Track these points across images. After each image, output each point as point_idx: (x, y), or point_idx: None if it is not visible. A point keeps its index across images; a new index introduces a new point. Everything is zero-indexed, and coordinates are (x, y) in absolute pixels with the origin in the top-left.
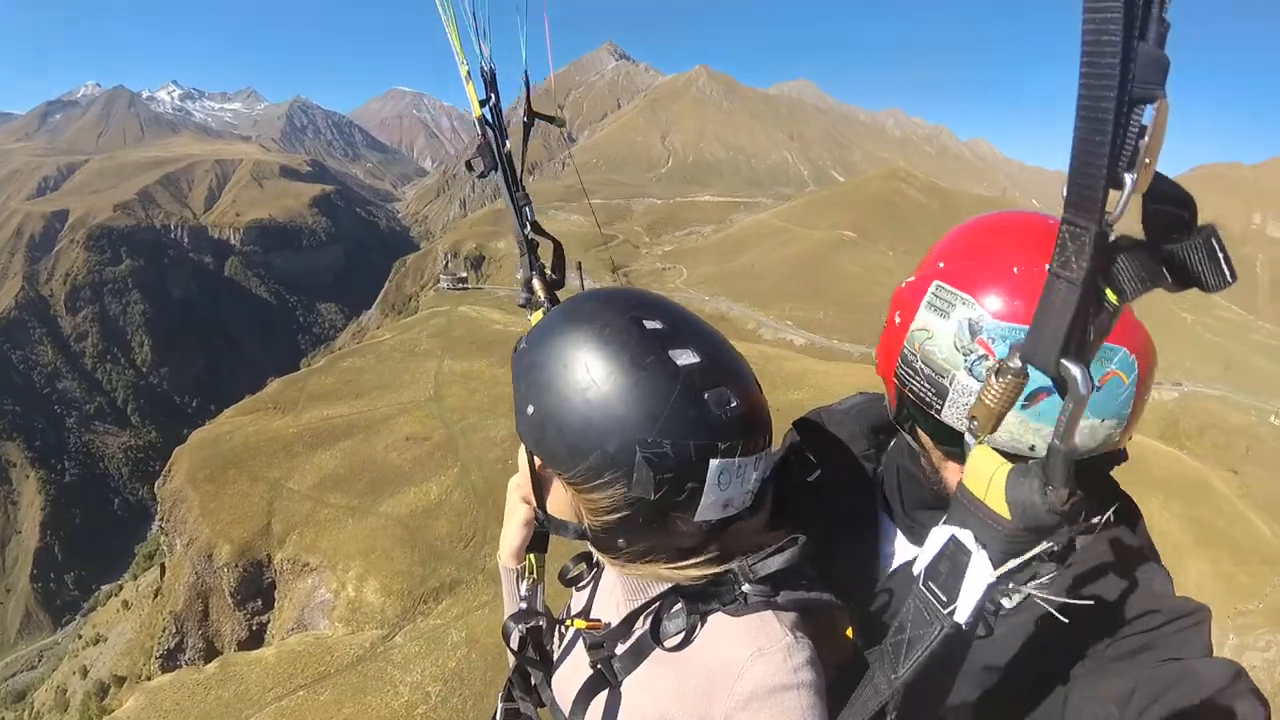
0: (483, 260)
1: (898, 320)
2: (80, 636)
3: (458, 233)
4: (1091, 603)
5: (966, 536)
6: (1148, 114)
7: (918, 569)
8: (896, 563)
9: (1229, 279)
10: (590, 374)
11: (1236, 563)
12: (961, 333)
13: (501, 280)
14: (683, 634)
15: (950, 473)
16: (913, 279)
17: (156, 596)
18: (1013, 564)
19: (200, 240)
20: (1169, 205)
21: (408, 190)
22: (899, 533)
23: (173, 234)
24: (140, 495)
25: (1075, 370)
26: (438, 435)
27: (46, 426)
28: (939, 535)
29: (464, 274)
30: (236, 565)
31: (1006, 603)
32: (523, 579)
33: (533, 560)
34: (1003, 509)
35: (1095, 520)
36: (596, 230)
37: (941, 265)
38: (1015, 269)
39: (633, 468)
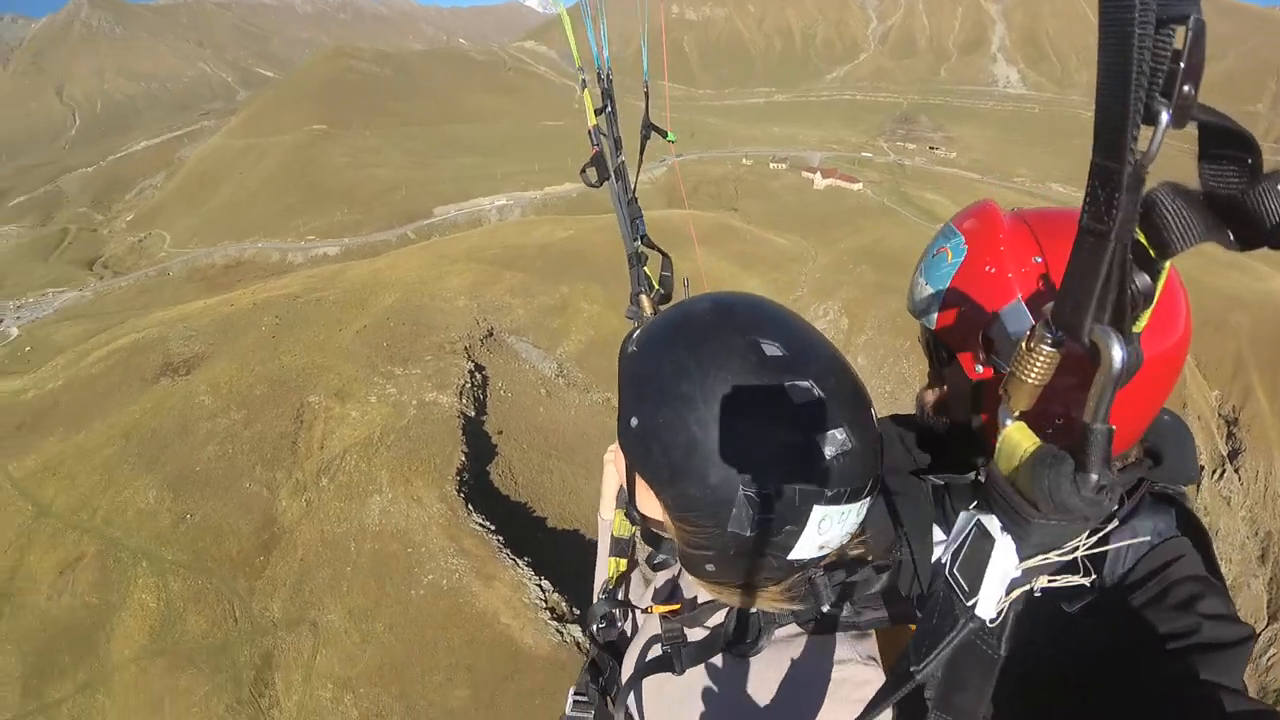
0: None
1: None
2: None
3: None
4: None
5: (991, 522)
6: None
7: (944, 554)
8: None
9: None
10: (700, 399)
11: (773, 268)
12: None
13: None
14: (753, 642)
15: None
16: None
17: None
18: (1041, 560)
19: None
20: (1225, 146)
21: None
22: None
23: None
24: None
25: (1107, 339)
26: (87, 547)
27: None
28: (966, 518)
29: None
30: None
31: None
32: (615, 534)
33: (618, 565)
34: (1030, 493)
35: (1116, 508)
36: (38, 234)
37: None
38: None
39: (732, 503)
